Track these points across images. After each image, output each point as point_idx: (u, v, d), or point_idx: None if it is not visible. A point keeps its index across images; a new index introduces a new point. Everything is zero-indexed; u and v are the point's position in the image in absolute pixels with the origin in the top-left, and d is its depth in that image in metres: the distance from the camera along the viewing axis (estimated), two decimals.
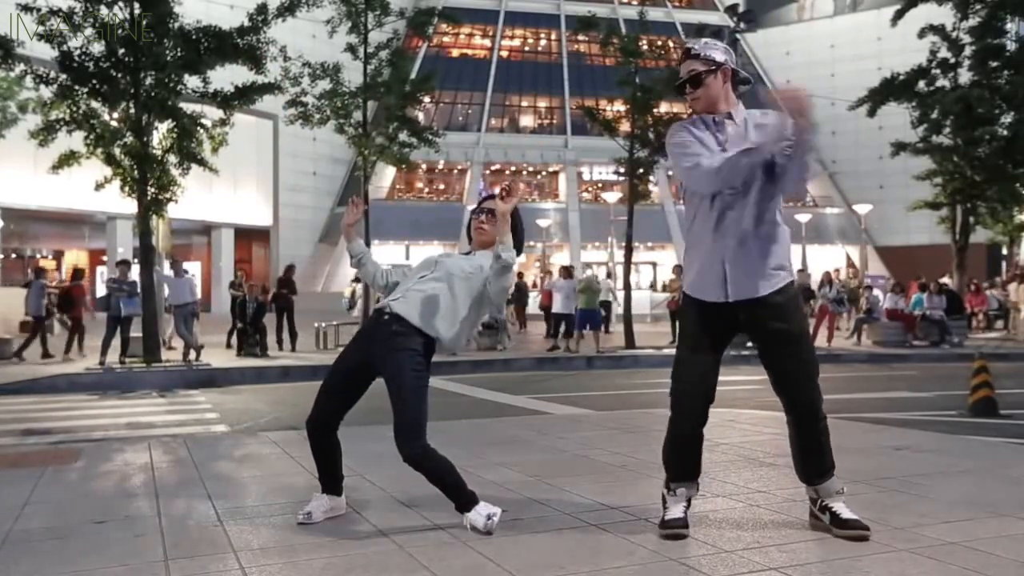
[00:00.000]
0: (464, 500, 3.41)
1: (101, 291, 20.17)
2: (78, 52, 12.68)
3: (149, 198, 13.29)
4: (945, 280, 20.49)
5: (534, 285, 29.85)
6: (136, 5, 12.87)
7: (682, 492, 3.37)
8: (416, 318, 3.47)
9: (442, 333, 3.50)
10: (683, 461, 3.39)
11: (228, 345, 15.71)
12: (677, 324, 17.30)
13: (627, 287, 17.63)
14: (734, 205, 3.27)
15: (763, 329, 3.31)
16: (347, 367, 3.62)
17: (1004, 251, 31.76)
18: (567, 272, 16.87)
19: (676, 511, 3.33)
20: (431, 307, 3.50)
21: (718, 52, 3.34)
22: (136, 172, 13.11)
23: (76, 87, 12.83)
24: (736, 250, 3.27)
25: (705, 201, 3.31)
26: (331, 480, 3.67)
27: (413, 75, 20.67)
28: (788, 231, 3.41)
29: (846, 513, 3.28)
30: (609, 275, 26.46)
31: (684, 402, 3.35)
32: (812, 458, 3.37)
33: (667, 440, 3.43)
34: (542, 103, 47.66)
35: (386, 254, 36.51)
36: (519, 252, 3.64)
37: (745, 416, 6.74)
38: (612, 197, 31.63)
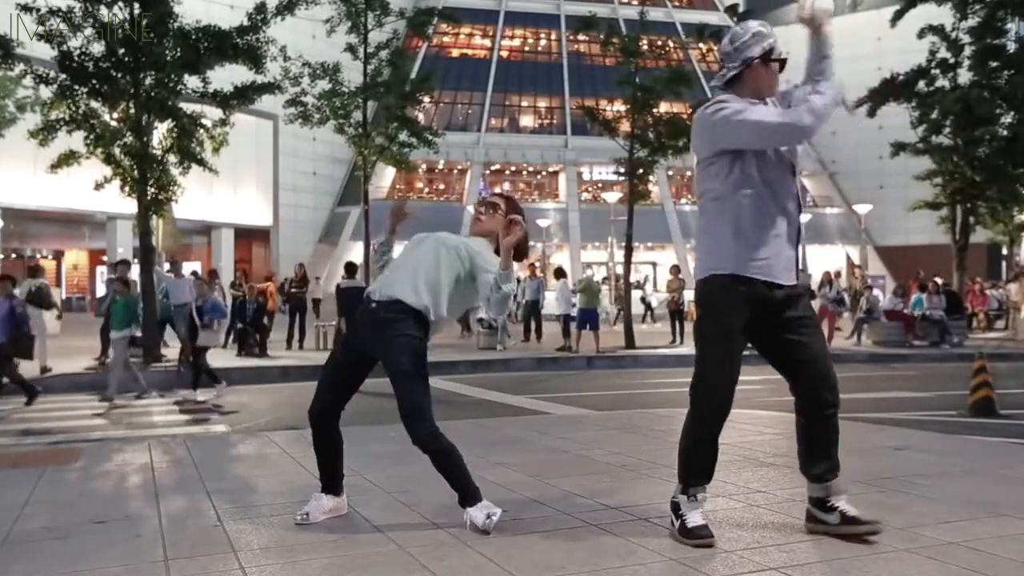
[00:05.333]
0: (468, 493, 3.41)
1: (101, 291, 20.14)
2: (78, 52, 12.68)
3: (149, 198, 13.30)
4: (937, 280, 20.42)
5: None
6: (136, 5, 12.87)
7: (703, 496, 3.30)
8: (397, 291, 3.47)
9: (425, 301, 3.47)
10: (706, 462, 3.32)
11: (224, 345, 15.66)
12: (678, 323, 17.51)
13: (627, 287, 17.63)
14: (789, 187, 3.31)
15: (796, 315, 3.29)
16: (344, 357, 3.65)
17: (1004, 251, 31.74)
18: (560, 273, 16.85)
19: (698, 518, 3.25)
20: (412, 276, 3.50)
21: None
22: (136, 172, 13.12)
23: (76, 87, 12.83)
24: (795, 234, 3.32)
25: (762, 179, 3.26)
26: (332, 478, 3.67)
27: (413, 75, 20.67)
28: None
29: (853, 511, 3.27)
30: (605, 279, 26.53)
31: (715, 398, 3.29)
32: (825, 454, 3.32)
33: (690, 442, 3.32)
34: (542, 103, 47.65)
35: None
36: (523, 258, 3.67)
37: (745, 416, 6.74)
38: (612, 197, 31.61)
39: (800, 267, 3.35)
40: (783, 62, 3.38)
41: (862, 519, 3.24)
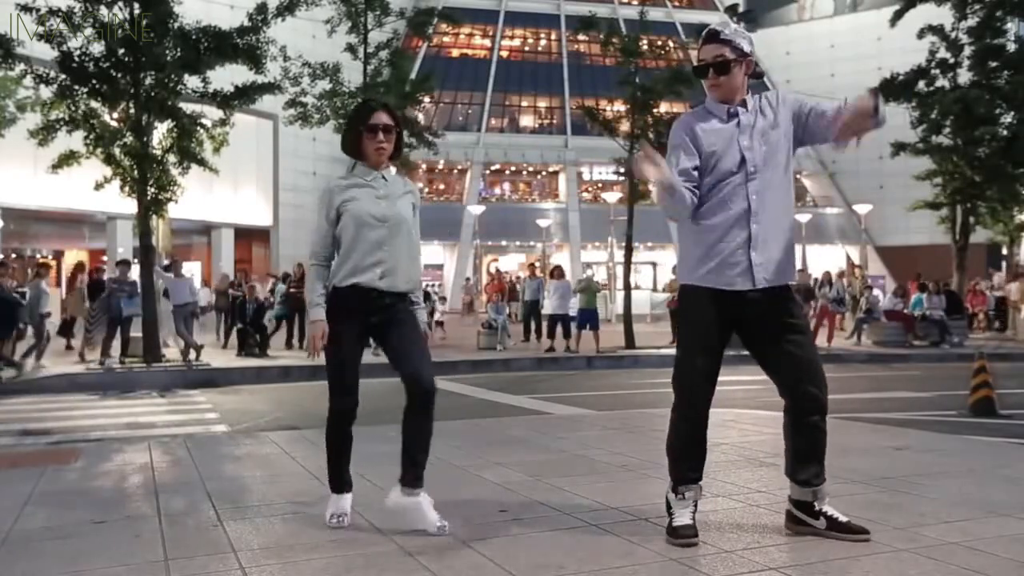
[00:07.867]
0: (421, 474, 3.46)
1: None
2: (78, 52, 12.67)
3: (149, 198, 13.29)
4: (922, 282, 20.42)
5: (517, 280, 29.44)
6: (136, 5, 12.86)
7: (690, 496, 3.30)
8: (403, 286, 3.59)
9: (419, 279, 3.73)
10: (690, 462, 3.33)
11: (225, 345, 15.70)
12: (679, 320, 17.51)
13: (627, 287, 17.63)
14: (770, 185, 3.26)
15: (782, 318, 3.26)
16: (352, 349, 3.62)
17: (1004, 251, 31.73)
18: (560, 272, 16.87)
19: (685, 517, 3.26)
20: (407, 267, 3.61)
21: (746, 42, 3.30)
22: (136, 172, 13.11)
23: (76, 87, 12.82)
24: (767, 236, 3.24)
25: (725, 183, 3.25)
26: (345, 476, 3.66)
27: (413, 75, 20.67)
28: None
29: (842, 517, 3.26)
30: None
31: (689, 400, 3.31)
32: (816, 458, 3.29)
33: (672, 441, 3.36)
34: (542, 103, 47.63)
35: None
36: (398, 156, 3.80)
37: (745, 416, 6.74)
38: (612, 197, 31.62)
39: (801, 267, 3.38)
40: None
41: (852, 526, 3.22)
